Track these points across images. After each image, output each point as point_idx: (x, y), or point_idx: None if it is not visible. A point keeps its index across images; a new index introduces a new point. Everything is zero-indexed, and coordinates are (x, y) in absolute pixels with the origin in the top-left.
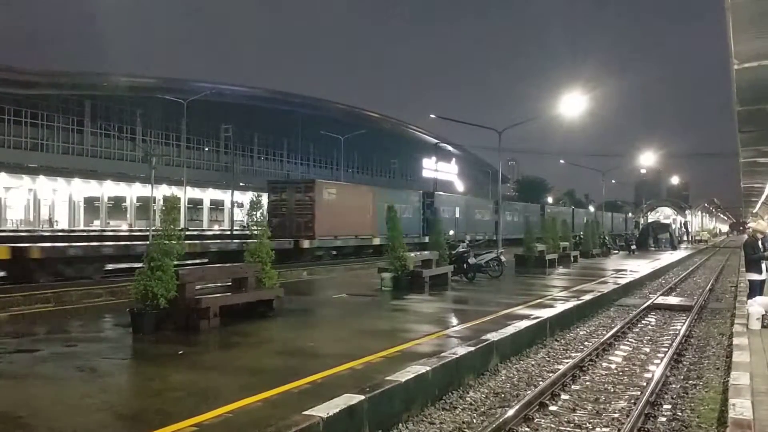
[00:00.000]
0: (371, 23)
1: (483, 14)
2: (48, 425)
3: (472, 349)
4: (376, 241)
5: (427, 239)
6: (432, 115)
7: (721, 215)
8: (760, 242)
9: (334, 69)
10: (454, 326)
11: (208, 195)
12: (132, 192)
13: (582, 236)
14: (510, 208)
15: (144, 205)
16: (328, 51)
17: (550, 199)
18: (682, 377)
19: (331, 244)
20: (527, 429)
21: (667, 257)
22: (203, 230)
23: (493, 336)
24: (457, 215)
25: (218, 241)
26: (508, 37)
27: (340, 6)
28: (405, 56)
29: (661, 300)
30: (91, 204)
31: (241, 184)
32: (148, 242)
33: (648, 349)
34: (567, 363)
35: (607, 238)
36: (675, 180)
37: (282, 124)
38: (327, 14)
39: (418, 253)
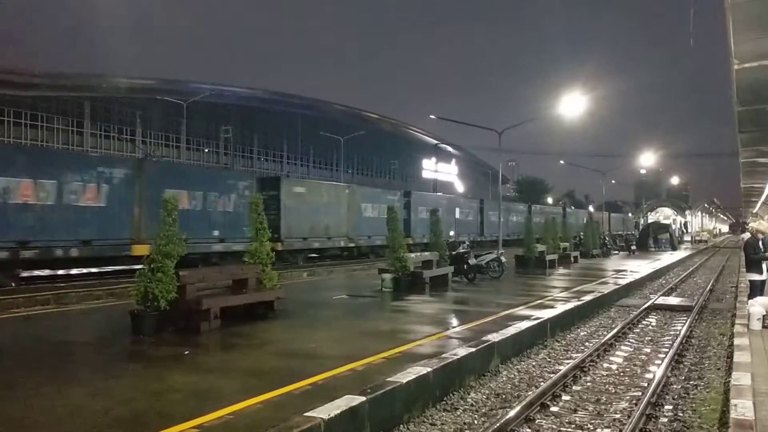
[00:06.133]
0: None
1: (484, 18)
2: (50, 427)
3: (473, 350)
4: (351, 243)
5: (409, 240)
6: (432, 116)
7: (721, 215)
8: (760, 242)
9: (335, 70)
10: (454, 327)
11: None
12: None
13: (582, 237)
14: (496, 207)
15: None
16: (329, 52)
17: (550, 200)
18: (683, 378)
19: None
20: (528, 430)
21: (667, 258)
22: None
23: (494, 337)
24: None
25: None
26: (509, 40)
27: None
28: (406, 58)
29: (662, 300)
30: None
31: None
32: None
33: (649, 350)
34: (568, 364)
35: (607, 238)
36: (675, 180)
37: (282, 125)
38: (326, 15)
39: (419, 254)
